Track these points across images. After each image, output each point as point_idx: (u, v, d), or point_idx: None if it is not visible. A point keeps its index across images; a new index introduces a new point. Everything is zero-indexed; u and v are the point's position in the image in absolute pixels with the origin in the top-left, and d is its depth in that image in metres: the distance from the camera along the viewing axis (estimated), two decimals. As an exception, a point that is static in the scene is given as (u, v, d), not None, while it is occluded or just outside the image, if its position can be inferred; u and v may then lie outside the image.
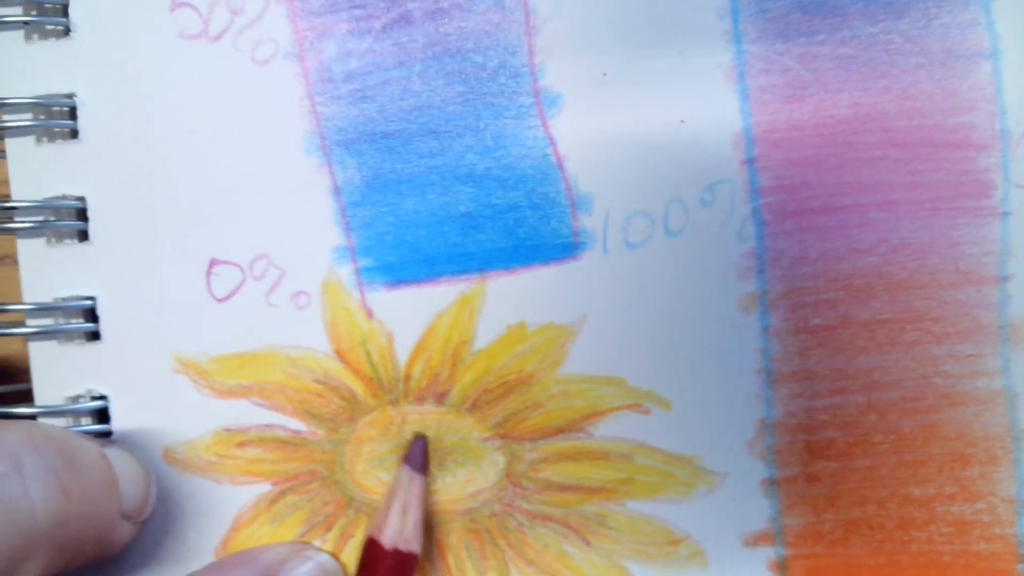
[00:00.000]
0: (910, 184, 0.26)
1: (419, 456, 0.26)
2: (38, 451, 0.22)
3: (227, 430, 0.27)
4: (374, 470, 0.27)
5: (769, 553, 0.27)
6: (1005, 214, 0.26)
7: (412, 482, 0.26)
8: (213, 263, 0.26)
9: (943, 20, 0.26)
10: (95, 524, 0.23)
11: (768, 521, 0.27)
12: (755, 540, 0.27)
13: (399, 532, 0.25)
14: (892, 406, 0.26)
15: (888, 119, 0.26)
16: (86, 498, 0.23)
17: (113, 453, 0.25)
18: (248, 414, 0.27)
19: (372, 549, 0.25)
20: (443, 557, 0.27)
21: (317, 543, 0.27)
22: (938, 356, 0.26)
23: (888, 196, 0.26)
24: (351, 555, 0.27)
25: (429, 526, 0.27)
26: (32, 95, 0.26)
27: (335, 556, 0.27)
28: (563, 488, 0.27)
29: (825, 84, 0.26)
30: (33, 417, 0.26)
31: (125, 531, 0.25)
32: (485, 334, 0.26)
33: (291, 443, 0.27)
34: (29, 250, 0.26)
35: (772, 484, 0.26)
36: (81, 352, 0.26)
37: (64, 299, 0.26)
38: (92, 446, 0.24)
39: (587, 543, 0.27)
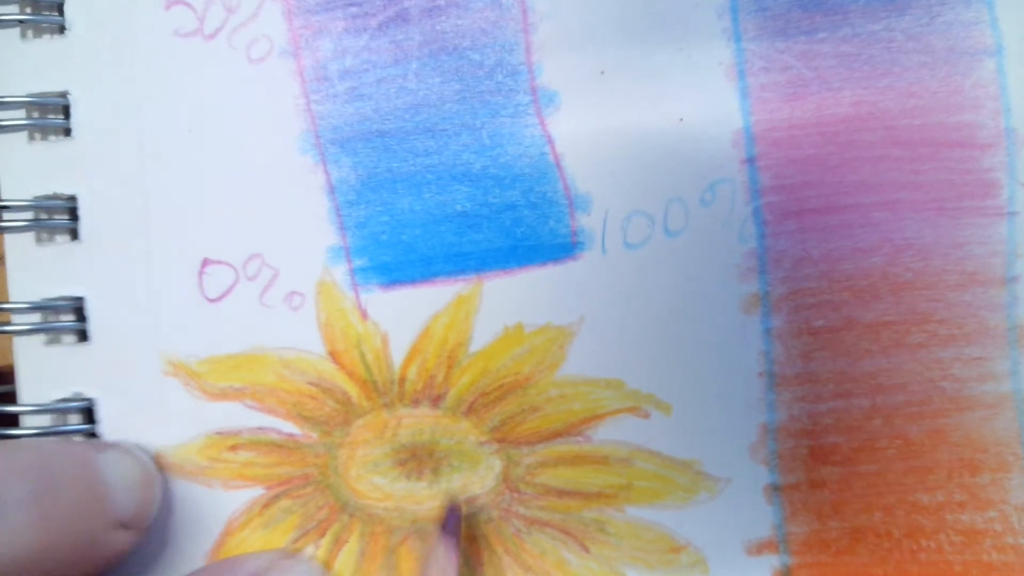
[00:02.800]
0: (913, 184, 0.25)
1: (454, 526, 0.26)
2: (20, 478, 0.22)
3: (219, 433, 0.26)
4: (368, 474, 0.26)
5: (773, 561, 0.26)
6: (1011, 214, 0.25)
7: (448, 554, 0.25)
8: (206, 263, 0.26)
9: (946, 17, 0.25)
10: (78, 545, 0.23)
11: (772, 528, 0.26)
12: (759, 548, 0.26)
13: None
14: (898, 410, 0.26)
15: (890, 118, 0.25)
16: (68, 520, 0.22)
17: (109, 459, 0.24)
18: (240, 417, 0.26)
19: None
20: (439, 565, 0.27)
21: (311, 549, 0.26)
22: (945, 359, 0.26)
23: (891, 196, 0.25)
24: (345, 562, 0.26)
25: (425, 532, 0.26)
26: (26, 93, 0.26)
27: (326, 564, 0.26)
28: (561, 493, 0.26)
29: (826, 82, 0.25)
30: (15, 417, 0.26)
31: (121, 540, 0.24)
32: (482, 336, 0.26)
33: (284, 446, 0.26)
34: (17, 248, 0.26)
35: (775, 490, 0.26)
36: (69, 353, 0.26)
37: (53, 299, 0.26)
38: (79, 459, 0.23)
39: (586, 550, 0.26)
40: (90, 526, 0.23)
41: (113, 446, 0.25)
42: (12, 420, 0.26)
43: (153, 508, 0.25)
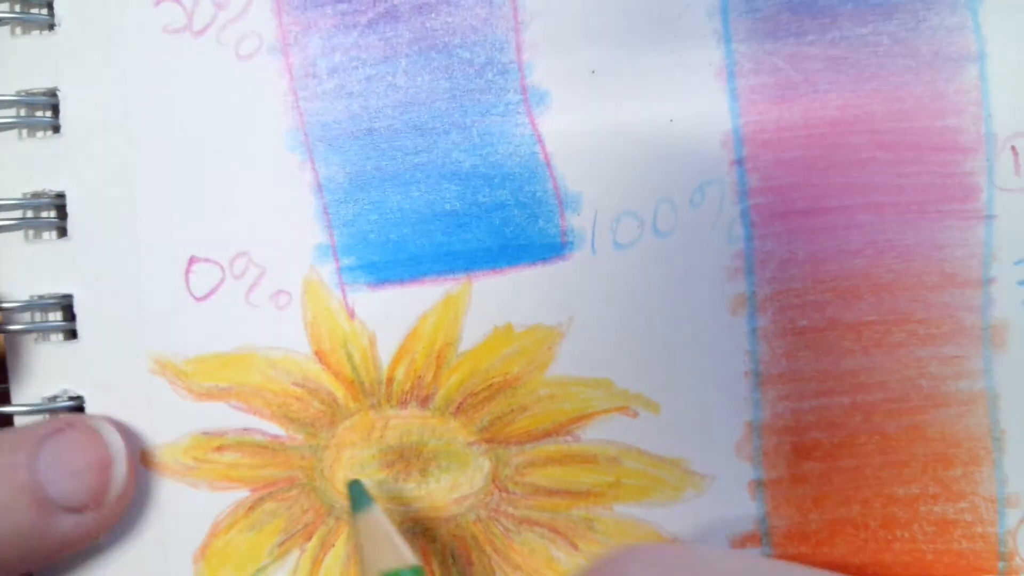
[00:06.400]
0: (897, 186, 0.26)
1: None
2: None
3: (205, 434, 0.26)
4: (355, 477, 0.26)
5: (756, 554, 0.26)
6: (989, 217, 0.26)
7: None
8: (193, 260, 0.26)
9: (931, 23, 0.26)
10: (5, 535, 0.22)
11: (755, 523, 0.26)
12: (742, 542, 0.26)
13: None
14: (877, 407, 0.26)
15: (876, 121, 0.26)
16: None
17: (52, 445, 0.23)
18: (226, 417, 0.26)
19: None
20: (428, 564, 0.27)
21: (296, 552, 0.26)
22: (923, 358, 0.26)
23: (875, 198, 0.26)
24: (331, 566, 0.26)
25: (413, 533, 0.26)
26: (15, 90, 0.25)
27: (312, 569, 0.26)
28: (550, 492, 0.26)
29: (814, 85, 0.26)
30: (9, 416, 0.25)
31: (69, 525, 0.23)
32: (471, 335, 0.26)
33: (269, 448, 0.26)
34: (7, 246, 0.25)
35: (759, 486, 0.26)
36: (58, 351, 0.26)
37: (42, 296, 0.26)
38: (13, 454, 0.23)
39: (575, 547, 0.26)
40: (17, 518, 0.22)
41: (67, 428, 0.24)
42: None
43: (114, 488, 0.24)
